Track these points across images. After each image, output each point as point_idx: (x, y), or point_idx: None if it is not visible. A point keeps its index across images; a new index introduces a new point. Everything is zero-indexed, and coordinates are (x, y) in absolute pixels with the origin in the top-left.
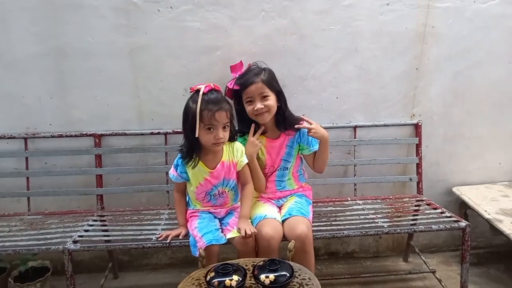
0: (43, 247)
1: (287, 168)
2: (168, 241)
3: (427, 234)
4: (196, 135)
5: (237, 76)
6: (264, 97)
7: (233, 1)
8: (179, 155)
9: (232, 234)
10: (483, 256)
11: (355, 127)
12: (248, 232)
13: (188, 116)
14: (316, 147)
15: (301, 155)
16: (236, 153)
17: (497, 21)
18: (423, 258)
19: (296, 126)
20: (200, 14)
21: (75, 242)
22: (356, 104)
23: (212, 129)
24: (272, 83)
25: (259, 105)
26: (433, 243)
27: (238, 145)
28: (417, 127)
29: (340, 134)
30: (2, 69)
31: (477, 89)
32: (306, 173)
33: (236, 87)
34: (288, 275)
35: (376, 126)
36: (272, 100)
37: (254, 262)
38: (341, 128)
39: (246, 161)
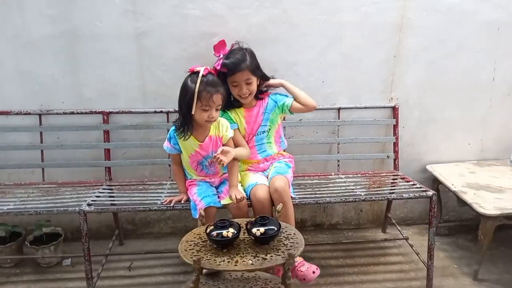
0: (61, 209)
1: (264, 131)
2: (172, 205)
3: (403, 208)
4: (192, 113)
5: (222, 56)
6: (248, 83)
7: None
8: (172, 128)
9: (225, 201)
10: (453, 228)
11: (339, 109)
12: (238, 196)
13: (186, 94)
14: (290, 97)
15: (290, 114)
16: (221, 128)
17: (467, 16)
18: (399, 228)
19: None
20: (200, 2)
21: (89, 205)
22: (340, 88)
23: (207, 109)
24: (255, 69)
25: (244, 90)
26: (409, 216)
27: (223, 121)
28: (394, 110)
29: (325, 115)
30: (18, 49)
31: (449, 77)
32: (286, 141)
33: (223, 70)
34: (276, 229)
35: (358, 108)
36: (254, 84)
37: (247, 221)
38: (326, 110)
39: (230, 135)
